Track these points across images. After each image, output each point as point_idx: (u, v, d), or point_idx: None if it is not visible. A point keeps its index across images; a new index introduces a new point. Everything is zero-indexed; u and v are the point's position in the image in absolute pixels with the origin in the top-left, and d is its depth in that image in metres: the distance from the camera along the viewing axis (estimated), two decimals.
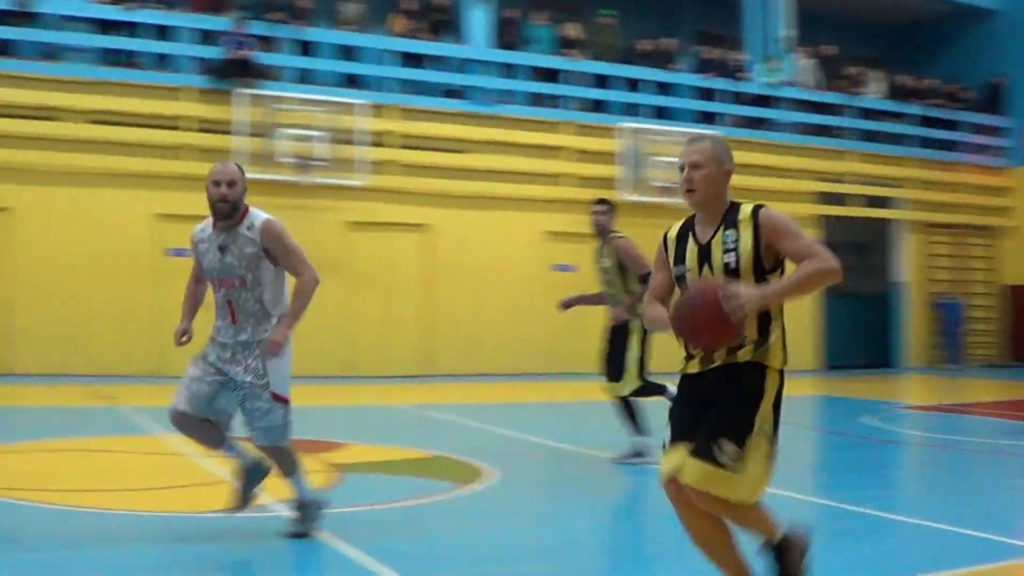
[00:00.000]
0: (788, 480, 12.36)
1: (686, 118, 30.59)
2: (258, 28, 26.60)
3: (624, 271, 12.78)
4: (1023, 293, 35.46)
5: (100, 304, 24.07)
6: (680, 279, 6.31)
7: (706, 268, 6.16)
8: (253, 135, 25.32)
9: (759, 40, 32.94)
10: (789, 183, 31.48)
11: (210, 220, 8.51)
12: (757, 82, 32.40)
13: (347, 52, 27.98)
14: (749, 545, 6.33)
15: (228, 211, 8.33)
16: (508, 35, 29.82)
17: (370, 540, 8.43)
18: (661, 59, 31.32)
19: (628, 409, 13.02)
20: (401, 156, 27.28)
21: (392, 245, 27.37)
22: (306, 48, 27.60)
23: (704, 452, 5.99)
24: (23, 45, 24.78)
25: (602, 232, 13.07)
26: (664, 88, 31.10)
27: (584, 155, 28.91)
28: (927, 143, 34.71)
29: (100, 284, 24.11)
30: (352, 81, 27.79)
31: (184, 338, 8.67)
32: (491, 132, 28.18)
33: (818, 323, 32.14)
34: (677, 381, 6.44)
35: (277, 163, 25.52)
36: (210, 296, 8.72)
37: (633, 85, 30.71)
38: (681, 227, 6.43)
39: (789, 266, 6.18)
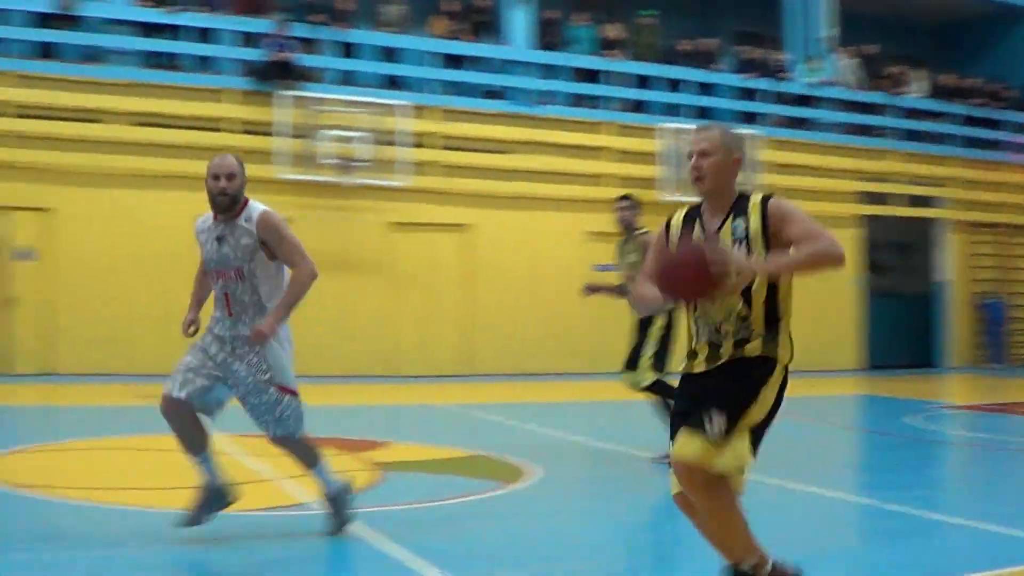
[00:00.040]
0: (831, 480, 12.35)
1: (727, 118, 30.47)
2: (300, 30, 26.69)
3: None
4: None
5: (142, 305, 24.15)
6: None
7: None
8: (295, 137, 25.41)
9: (800, 40, 32.86)
10: (831, 183, 31.38)
11: (211, 212, 8.50)
12: (799, 82, 32.31)
13: (388, 54, 28.03)
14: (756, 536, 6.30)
15: (228, 204, 8.34)
16: (549, 36, 29.82)
17: (412, 538, 8.45)
18: (702, 59, 31.26)
19: (666, 409, 13.02)
20: (442, 157, 27.31)
21: (433, 245, 27.41)
22: (348, 50, 27.67)
23: (696, 423, 5.98)
24: (66, 48, 24.92)
25: (627, 227, 13.11)
26: (705, 88, 31.05)
27: (625, 156, 28.87)
28: (970, 142, 34.53)
29: (142, 285, 24.20)
30: (393, 83, 27.84)
31: (191, 328, 8.66)
32: (532, 133, 28.18)
33: (861, 323, 32.04)
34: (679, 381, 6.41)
35: (319, 164, 25.59)
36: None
37: (674, 85, 30.67)
38: (687, 213, 6.38)
39: None
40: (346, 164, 25.75)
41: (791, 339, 6.22)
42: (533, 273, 27.75)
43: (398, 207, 26.80)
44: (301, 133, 25.47)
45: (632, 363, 12.99)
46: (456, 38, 28.69)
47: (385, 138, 26.09)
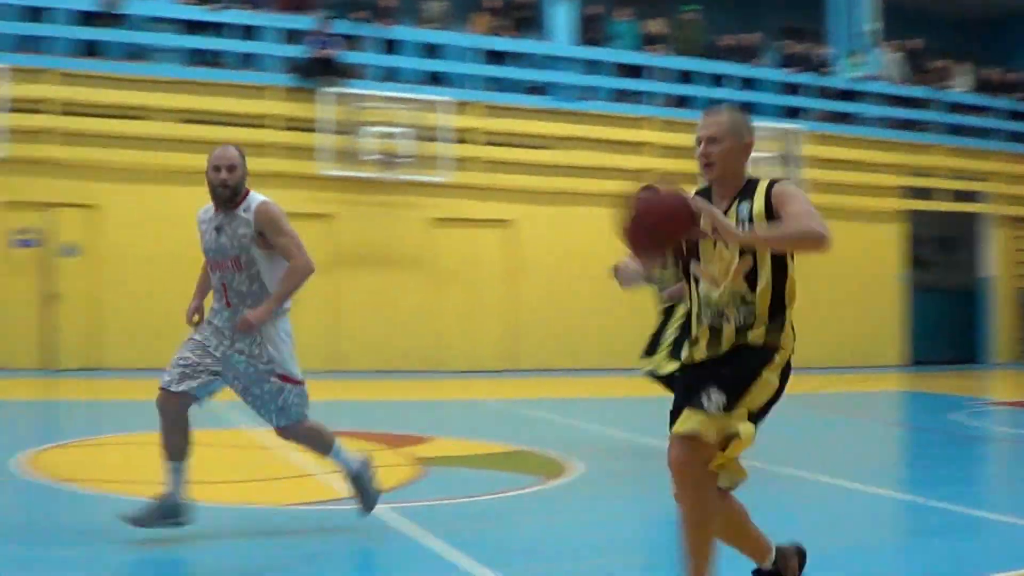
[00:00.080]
0: (874, 476, 12.32)
1: (771, 113, 30.45)
2: (342, 27, 26.77)
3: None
4: None
5: (186, 300, 24.11)
6: (693, 247, 6.15)
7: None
8: (338, 133, 25.48)
9: (844, 34, 32.74)
10: (875, 178, 31.27)
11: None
12: (842, 77, 32.19)
13: (431, 50, 28.07)
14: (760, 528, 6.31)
15: (229, 196, 8.33)
16: (591, 31, 29.81)
17: (452, 533, 8.47)
18: (745, 54, 31.21)
19: None
20: (484, 153, 27.34)
21: (475, 241, 27.44)
22: (390, 46, 27.72)
23: (695, 401, 5.88)
24: (111, 46, 25.08)
25: None
26: (748, 83, 31.00)
27: (668, 151, 28.80)
28: (1014, 137, 34.31)
29: (186, 280, 24.02)
30: (436, 79, 27.88)
31: (196, 317, 8.64)
32: (574, 129, 28.18)
33: (904, 318, 31.91)
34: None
35: (361, 161, 25.66)
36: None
37: (717, 80, 30.62)
38: (695, 194, 6.22)
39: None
40: (388, 160, 25.81)
41: (793, 330, 6.14)
42: (575, 268, 27.73)
43: (440, 203, 26.84)
44: (344, 129, 25.54)
45: (651, 349, 12.98)
46: (498, 34, 28.72)
47: (427, 134, 26.13)
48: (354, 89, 25.92)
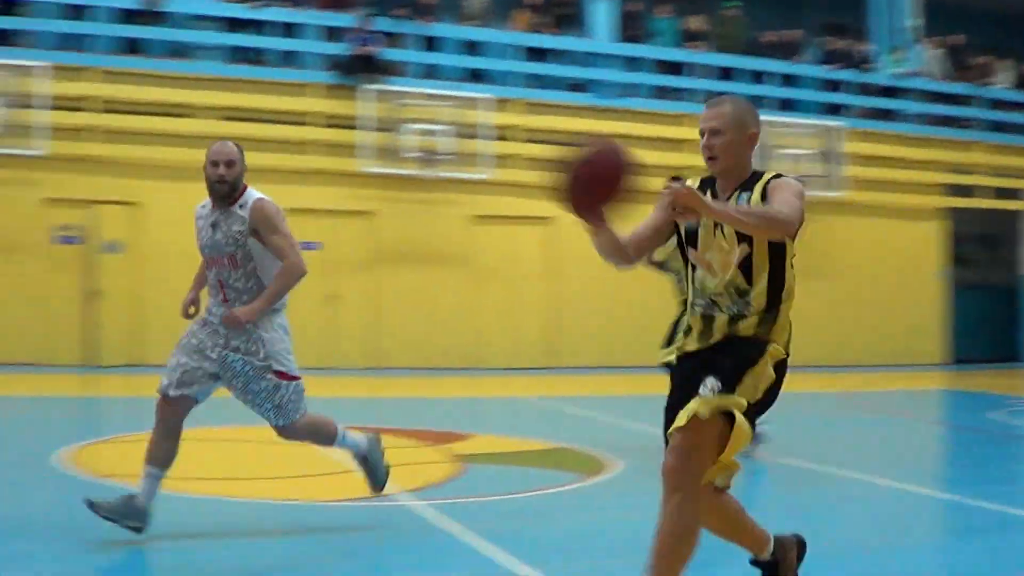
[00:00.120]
0: (914, 475, 12.30)
1: (812, 110, 30.38)
2: (383, 24, 26.82)
3: None
4: None
5: None
6: (691, 233, 6.06)
7: (719, 228, 5.93)
8: (379, 130, 25.54)
9: (885, 30, 32.64)
10: (916, 175, 31.14)
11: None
12: (883, 73, 32.08)
13: (471, 47, 28.13)
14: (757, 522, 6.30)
15: (226, 192, 8.29)
16: (632, 28, 29.79)
17: (492, 530, 8.49)
18: (786, 51, 31.13)
19: None
20: (525, 150, 27.33)
21: (516, 238, 27.47)
22: (431, 44, 27.76)
23: (692, 397, 5.75)
24: (153, 44, 25.22)
25: None
26: (789, 80, 30.93)
27: None
28: None
29: None
30: (476, 76, 27.92)
31: (192, 309, 8.60)
32: (615, 126, 28.12)
33: (945, 316, 31.77)
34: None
35: (402, 158, 25.72)
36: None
37: (758, 77, 30.56)
38: (701, 183, 6.19)
39: (802, 250, 6.12)
40: (429, 157, 25.86)
41: (790, 327, 6.06)
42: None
43: (480, 200, 26.87)
44: (384, 127, 25.60)
45: (669, 341, 12.99)
46: (539, 31, 28.74)
47: (468, 131, 26.17)
48: (395, 86, 25.98)
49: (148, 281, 24.16)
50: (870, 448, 14.75)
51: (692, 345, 6.10)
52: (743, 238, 5.86)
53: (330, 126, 25.76)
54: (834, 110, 30.85)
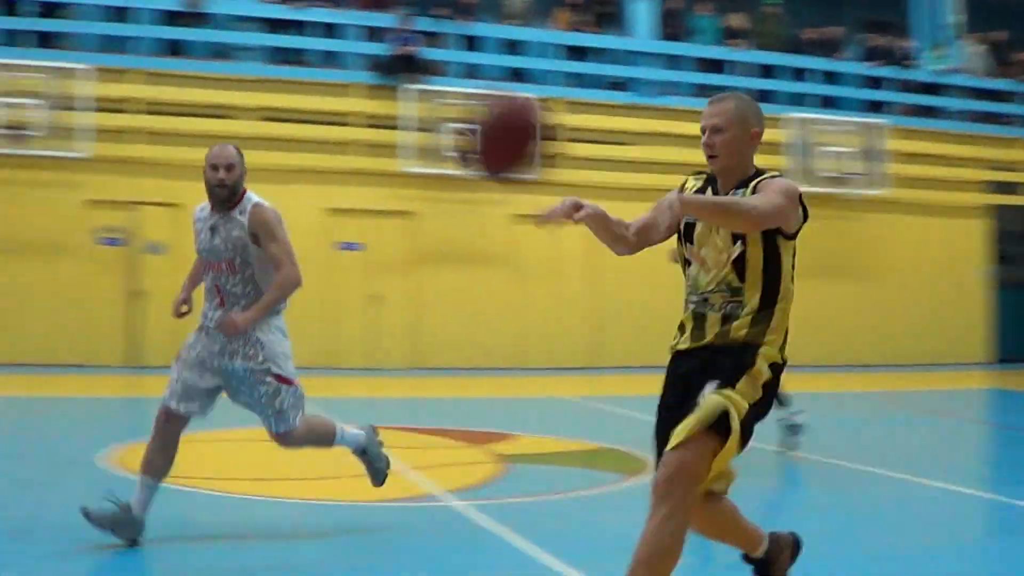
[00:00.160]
0: (957, 474, 12.24)
1: (853, 107, 30.26)
2: (424, 24, 26.85)
3: None
4: None
5: None
6: (689, 228, 5.97)
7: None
8: (420, 130, 25.55)
9: (927, 27, 32.49)
10: (959, 172, 30.96)
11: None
12: (925, 70, 31.94)
13: (512, 46, 28.13)
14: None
15: (226, 196, 8.21)
16: (672, 26, 29.74)
17: (535, 530, 8.50)
18: (827, 48, 31.03)
19: None
20: (566, 149, 27.28)
21: (558, 237, 27.38)
22: (471, 43, 27.78)
23: (689, 407, 5.61)
24: (195, 45, 25.32)
25: None
26: (831, 77, 30.81)
27: None
28: None
29: None
30: (517, 75, 27.90)
31: (183, 308, 8.49)
32: (656, 124, 28.11)
33: (988, 314, 31.60)
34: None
35: (443, 157, 25.73)
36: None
37: (799, 75, 30.47)
38: (705, 181, 6.10)
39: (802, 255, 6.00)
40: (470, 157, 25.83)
41: (786, 331, 5.87)
42: (659, 265, 27.57)
43: (523, 199, 26.77)
44: (426, 126, 25.62)
45: None
46: (579, 30, 28.73)
47: None
48: (436, 86, 25.97)
49: None
50: (914, 448, 14.69)
51: (684, 344, 5.99)
52: (738, 235, 5.74)
53: (371, 126, 25.81)
54: (876, 107, 30.72)
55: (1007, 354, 31.56)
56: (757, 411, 5.75)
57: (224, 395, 8.37)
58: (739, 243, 5.74)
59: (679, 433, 5.57)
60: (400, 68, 25.82)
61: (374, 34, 26.44)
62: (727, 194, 5.90)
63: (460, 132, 5.64)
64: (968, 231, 31.07)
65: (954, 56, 32.13)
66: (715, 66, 29.71)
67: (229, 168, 8.22)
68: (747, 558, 6.43)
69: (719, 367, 5.70)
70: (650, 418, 5.88)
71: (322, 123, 25.39)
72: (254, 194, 8.33)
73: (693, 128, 26.43)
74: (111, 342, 24.00)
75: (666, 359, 6.01)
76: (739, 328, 5.75)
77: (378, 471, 8.63)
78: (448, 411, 18.00)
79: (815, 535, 8.84)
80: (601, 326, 27.60)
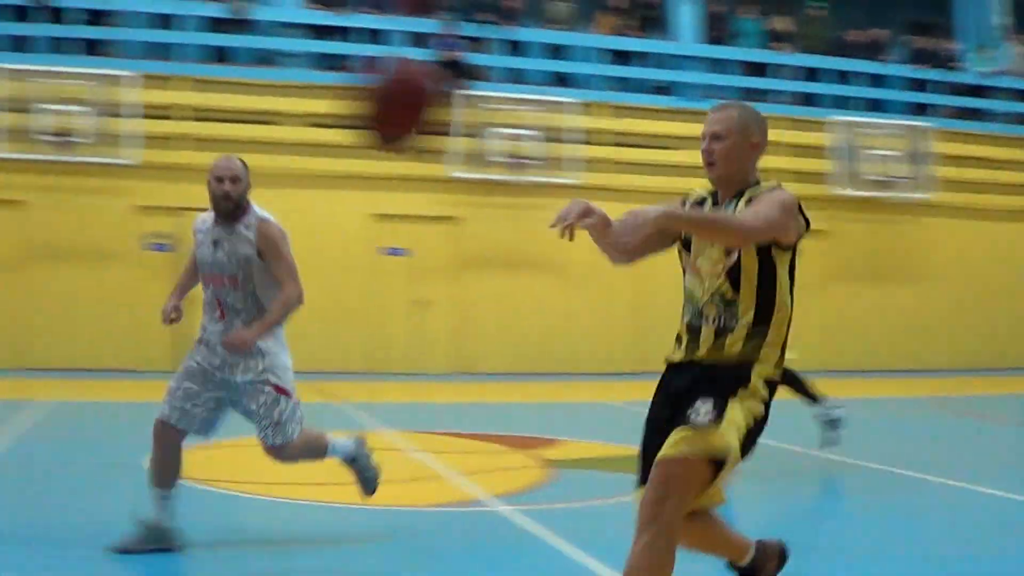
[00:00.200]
0: (1003, 480, 12.18)
1: (899, 110, 30.16)
2: (468, 29, 26.91)
3: None
4: None
5: (317, 302, 24.27)
6: (689, 237, 5.87)
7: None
8: (465, 135, 25.59)
9: (973, 28, 32.37)
10: (1005, 175, 30.80)
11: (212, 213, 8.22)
12: (971, 72, 31.79)
13: (556, 51, 28.15)
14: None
15: (231, 209, 8.08)
16: (716, 30, 29.73)
17: (585, 536, 8.50)
18: (872, 50, 30.93)
19: (790, 383, 12.49)
20: (612, 153, 27.32)
21: None
22: (516, 48, 27.84)
23: (681, 424, 5.51)
24: (240, 52, 25.48)
25: None
26: (876, 80, 30.72)
27: (796, 149, 28.58)
28: None
29: (317, 282, 24.33)
30: (562, 80, 27.94)
31: (173, 315, 8.33)
32: (700, 128, 28.02)
33: None
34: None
35: (489, 163, 25.77)
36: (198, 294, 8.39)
37: (844, 77, 30.38)
38: (711, 192, 5.99)
39: (802, 263, 5.85)
40: (516, 162, 25.90)
41: (783, 347, 5.71)
42: None
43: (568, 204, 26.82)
44: (471, 132, 25.66)
45: None
46: (624, 34, 28.74)
47: (554, 135, 26.18)
48: (480, 91, 26.03)
49: None
50: (959, 453, 14.64)
51: (678, 356, 5.90)
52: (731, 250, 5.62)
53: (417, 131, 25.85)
54: (921, 110, 30.60)
55: None
56: (752, 435, 5.63)
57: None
58: (734, 253, 5.62)
59: (674, 444, 5.49)
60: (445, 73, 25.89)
61: (418, 39, 26.48)
62: (725, 204, 5.80)
63: (358, 98, 5.62)
64: (1015, 234, 30.89)
65: (1000, 58, 31.99)
66: (759, 69, 29.68)
67: (235, 180, 8.15)
68: (732, 566, 6.34)
69: (713, 385, 5.58)
70: None
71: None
72: (258, 207, 8.23)
73: None
74: (159, 347, 24.07)
75: None
76: (733, 344, 5.63)
77: (368, 480, 8.43)
78: (494, 416, 18.02)
79: (845, 540, 8.82)
80: (647, 331, 27.54)
